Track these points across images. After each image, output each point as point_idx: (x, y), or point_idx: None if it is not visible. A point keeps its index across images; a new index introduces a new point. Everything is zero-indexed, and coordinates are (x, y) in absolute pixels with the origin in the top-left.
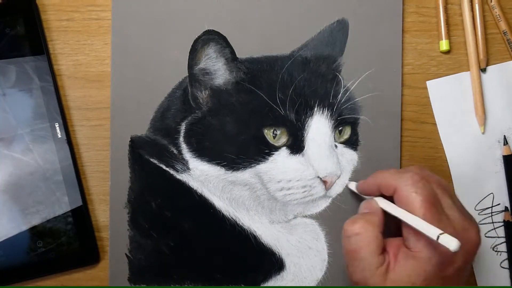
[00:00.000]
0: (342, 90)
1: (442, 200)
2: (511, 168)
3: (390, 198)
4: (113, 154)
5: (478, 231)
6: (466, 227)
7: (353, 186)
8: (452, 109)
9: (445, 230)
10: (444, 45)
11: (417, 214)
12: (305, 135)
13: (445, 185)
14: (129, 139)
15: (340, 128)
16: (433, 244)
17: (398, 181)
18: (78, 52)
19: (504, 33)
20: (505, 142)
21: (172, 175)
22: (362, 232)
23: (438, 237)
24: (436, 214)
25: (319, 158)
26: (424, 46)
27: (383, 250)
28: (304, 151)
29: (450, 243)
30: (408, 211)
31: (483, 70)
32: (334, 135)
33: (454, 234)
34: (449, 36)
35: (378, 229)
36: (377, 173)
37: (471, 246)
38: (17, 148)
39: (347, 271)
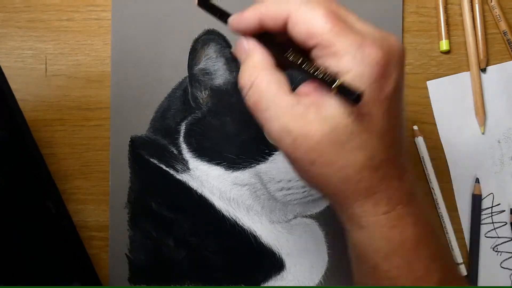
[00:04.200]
0: None
1: (348, 16)
2: (477, 208)
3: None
4: (113, 154)
5: (397, 38)
6: (384, 35)
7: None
8: (452, 109)
9: (364, 41)
10: (444, 45)
11: (324, 31)
12: None
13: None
14: (129, 139)
15: None
16: (359, 57)
17: (289, 4)
18: (78, 52)
19: (504, 33)
20: (477, 180)
21: (172, 175)
22: (252, 80)
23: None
24: (347, 26)
25: None
26: (424, 46)
27: (293, 90)
28: None
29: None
30: (312, 32)
31: (483, 70)
32: None
33: (377, 39)
34: (449, 36)
35: (268, 66)
36: (255, 5)
37: (397, 50)
38: None
39: (266, 133)
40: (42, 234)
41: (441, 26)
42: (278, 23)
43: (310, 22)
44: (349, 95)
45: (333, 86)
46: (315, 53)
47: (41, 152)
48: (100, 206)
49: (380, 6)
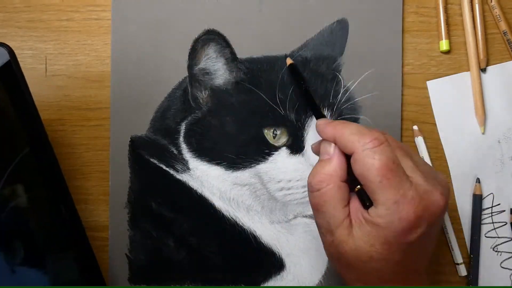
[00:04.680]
0: (342, 90)
1: (403, 163)
2: (477, 207)
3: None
4: (113, 154)
5: (442, 192)
6: (429, 189)
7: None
8: (452, 109)
9: (406, 194)
10: (444, 45)
11: (373, 180)
12: (305, 135)
13: (406, 148)
14: (129, 139)
15: None
16: (392, 211)
17: (357, 144)
18: (78, 52)
19: (504, 33)
20: (478, 180)
21: (172, 175)
22: (323, 187)
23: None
24: (395, 179)
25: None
26: (424, 46)
27: (348, 201)
28: (304, 151)
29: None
30: (364, 175)
31: (483, 70)
32: None
33: (416, 197)
34: (449, 36)
35: (340, 179)
36: (338, 125)
37: (434, 208)
38: None
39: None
40: (56, 237)
41: (441, 26)
42: (346, 151)
43: (367, 168)
44: (362, 201)
45: (356, 188)
46: (363, 187)
47: (56, 156)
48: (100, 206)
49: (380, 6)
